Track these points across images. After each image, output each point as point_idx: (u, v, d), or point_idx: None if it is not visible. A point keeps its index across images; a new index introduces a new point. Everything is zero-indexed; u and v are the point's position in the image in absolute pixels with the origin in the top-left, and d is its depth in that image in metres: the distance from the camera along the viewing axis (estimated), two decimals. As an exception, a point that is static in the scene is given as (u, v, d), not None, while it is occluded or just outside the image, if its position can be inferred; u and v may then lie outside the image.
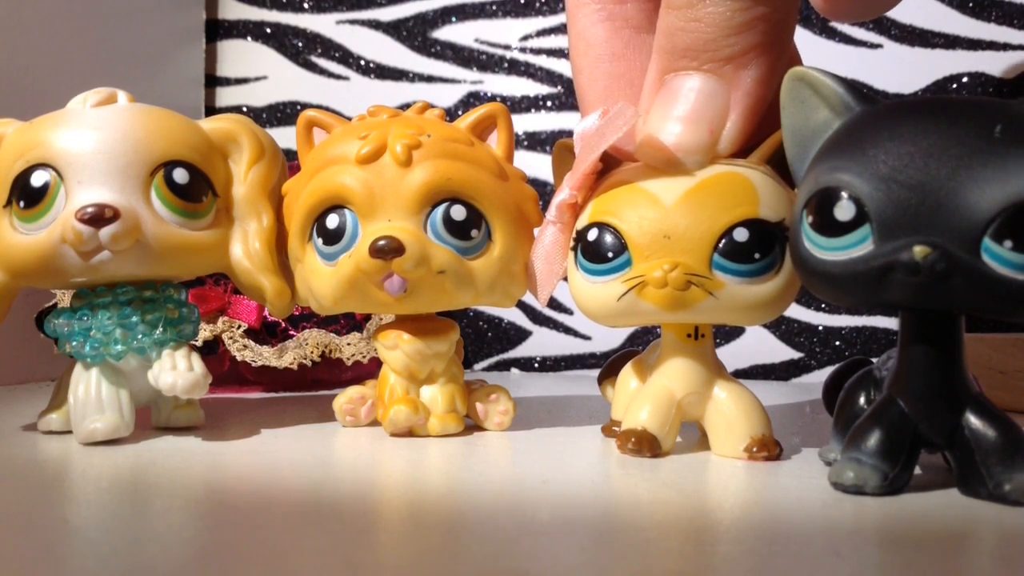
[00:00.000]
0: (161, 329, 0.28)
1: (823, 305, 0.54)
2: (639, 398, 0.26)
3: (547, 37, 0.59)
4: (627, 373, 0.30)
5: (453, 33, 0.60)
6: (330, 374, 0.44)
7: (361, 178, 0.27)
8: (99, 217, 0.26)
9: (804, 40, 0.54)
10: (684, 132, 0.24)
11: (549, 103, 0.58)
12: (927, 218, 0.19)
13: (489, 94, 0.59)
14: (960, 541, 0.18)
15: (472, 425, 0.31)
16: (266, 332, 0.42)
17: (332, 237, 0.28)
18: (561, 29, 0.58)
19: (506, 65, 0.59)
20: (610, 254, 0.25)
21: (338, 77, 0.62)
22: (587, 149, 0.25)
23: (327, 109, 0.31)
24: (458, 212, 0.28)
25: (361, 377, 0.42)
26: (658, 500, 0.21)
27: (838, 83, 0.22)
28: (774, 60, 0.24)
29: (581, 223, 0.26)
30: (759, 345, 0.54)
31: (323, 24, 0.62)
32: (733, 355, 0.54)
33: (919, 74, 0.53)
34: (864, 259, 0.20)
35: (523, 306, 0.58)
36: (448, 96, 0.60)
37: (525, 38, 0.59)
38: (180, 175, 0.28)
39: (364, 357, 0.43)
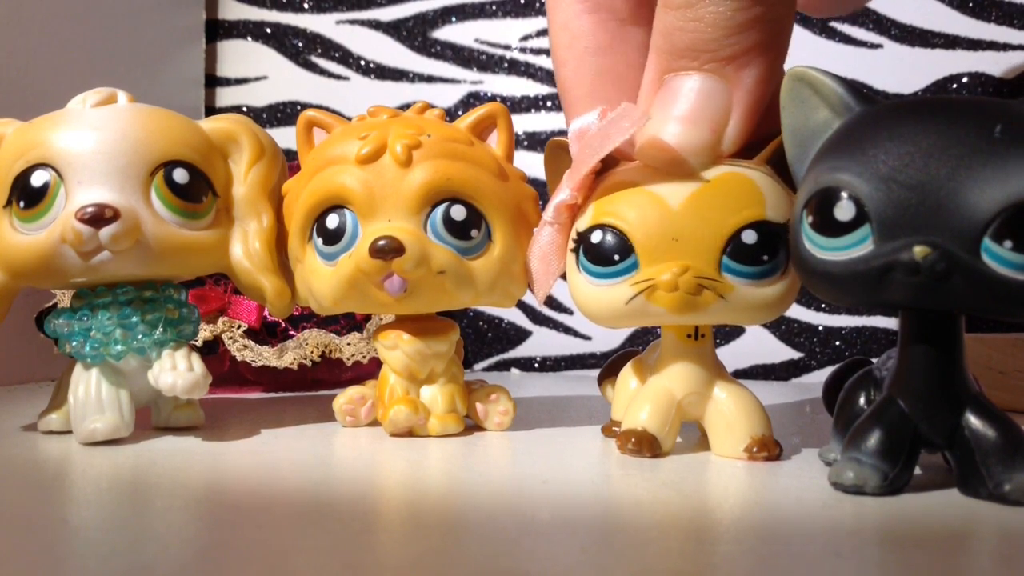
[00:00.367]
0: (161, 329, 0.28)
1: (823, 305, 0.54)
2: (639, 398, 0.26)
3: (547, 37, 0.59)
4: (627, 373, 0.30)
5: (453, 33, 0.60)
6: (330, 374, 0.44)
7: (361, 178, 0.27)
8: (99, 217, 0.26)
9: (804, 40, 0.54)
10: (686, 133, 0.24)
11: (549, 103, 0.58)
12: (927, 218, 0.19)
13: (489, 94, 0.59)
14: (960, 541, 0.18)
15: (472, 425, 0.31)
16: (266, 332, 0.42)
17: (332, 237, 0.28)
18: (561, 29, 0.58)
19: (506, 65, 0.59)
20: (616, 257, 0.24)
21: (338, 77, 0.62)
22: (589, 150, 0.25)
23: (327, 109, 0.31)
24: (458, 212, 0.28)
25: (361, 377, 0.42)
26: (658, 500, 0.21)
27: (838, 83, 0.22)
28: (774, 59, 0.24)
29: (582, 224, 0.26)
30: (759, 345, 0.54)
31: (323, 24, 0.62)
32: (733, 355, 0.54)
33: (919, 74, 0.53)
34: (864, 259, 0.20)
35: (523, 306, 0.58)
36: (448, 96, 0.60)
37: (525, 38, 0.59)
38: (180, 175, 0.28)
39: (364, 357, 0.43)
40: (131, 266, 0.27)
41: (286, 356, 0.41)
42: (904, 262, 0.19)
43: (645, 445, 0.25)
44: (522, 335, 0.58)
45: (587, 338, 0.57)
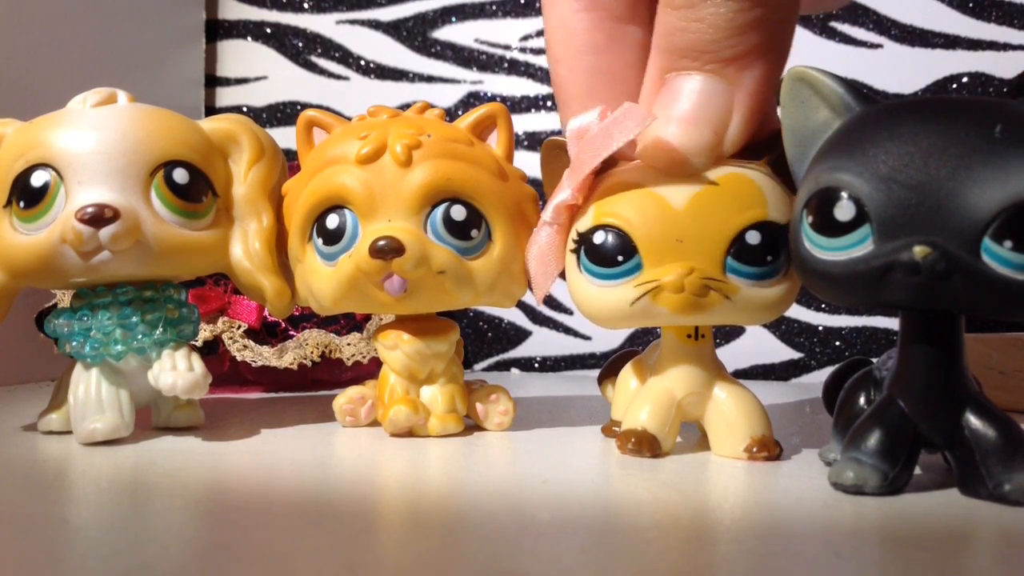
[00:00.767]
0: (161, 329, 0.28)
1: (823, 305, 0.54)
2: (639, 398, 0.26)
3: (547, 37, 0.59)
4: (627, 373, 0.30)
5: (453, 33, 0.60)
6: (330, 374, 0.44)
7: (361, 178, 0.27)
8: (99, 217, 0.26)
9: (804, 40, 0.54)
10: (687, 133, 0.24)
11: (549, 103, 0.58)
12: (927, 218, 0.19)
13: (489, 94, 0.59)
14: (960, 541, 0.18)
15: (472, 425, 0.31)
16: (266, 332, 0.42)
17: (332, 237, 0.28)
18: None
19: (506, 65, 0.59)
20: (619, 258, 0.24)
21: (338, 77, 0.62)
22: (591, 150, 0.25)
23: (327, 109, 0.31)
24: (458, 212, 0.28)
25: (361, 377, 0.42)
26: (658, 500, 0.21)
27: (838, 83, 0.22)
28: (775, 60, 0.24)
29: (583, 225, 0.25)
30: (759, 345, 0.54)
31: (323, 24, 0.62)
32: (733, 355, 0.54)
33: (919, 74, 0.53)
34: (864, 259, 0.20)
35: (523, 306, 0.58)
36: (448, 96, 0.60)
37: (525, 38, 0.59)
38: (180, 175, 0.28)
39: (364, 357, 0.43)
40: (131, 266, 0.27)
41: (286, 356, 0.41)
42: (904, 262, 0.19)
43: (645, 445, 0.25)
44: (522, 335, 0.58)
45: (587, 338, 0.57)
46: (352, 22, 0.62)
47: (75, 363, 0.29)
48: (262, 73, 0.63)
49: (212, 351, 0.41)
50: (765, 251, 0.24)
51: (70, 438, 0.28)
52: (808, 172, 0.22)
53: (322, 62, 0.62)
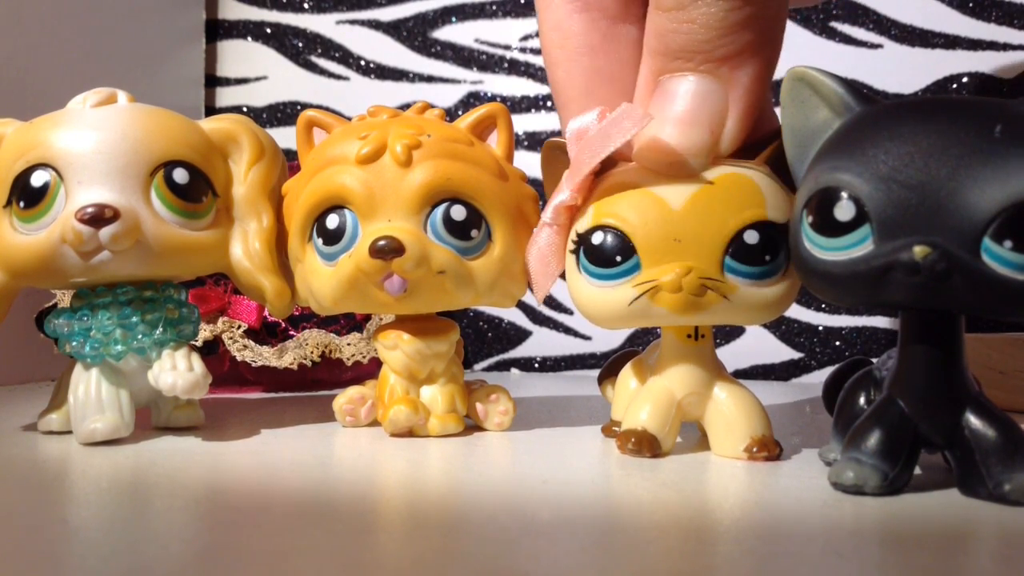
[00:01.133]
0: (161, 329, 0.28)
1: (823, 305, 0.54)
2: (639, 398, 0.26)
3: (547, 37, 0.59)
4: (627, 373, 0.30)
5: (453, 33, 0.60)
6: (330, 374, 0.44)
7: (361, 178, 0.27)
8: (99, 217, 0.26)
9: (804, 40, 0.54)
10: (684, 134, 0.24)
11: (549, 103, 0.58)
12: (927, 218, 0.19)
13: (489, 94, 0.59)
14: (960, 541, 0.18)
15: (472, 425, 0.31)
16: (266, 332, 0.42)
17: (332, 237, 0.28)
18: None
19: (506, 65, 0.59)
20: (617, 258, 0.24)
21: (338, 77, 0.62)
22: (590, 151, 0.25)
23: (327, 109, 0.31)
24: (458, 212, 0.28)
25: (361, 377, 0.42)
26: (658, 500, 0.21)
27: (838, 83, 0.22)
28: (768, 58, 0.24)
29: (583, 226, 0.25)
30: (759, 345, 0.54)
31: (323, 24, 0.62)
32: (733, 355, 0.54)
33: (919, 74, 0.53)
34: (864, 259, 0.20)
35: (523, 306, 0.58)
36: (448, 96, 0.60)
37: (525, 38, 0.59)
38: (180, 175, 0.28)
39: (364, 357, 0.43)
40: (131, 266, 0.27)
41: (286, 356, 0.41)
42: (904, 262, 0.19)
43: (645, 445, 0.25)
44: (522, 335, 0.58)
45: (587, 338, 0.57)
46: (352, 22, 0.62)
47: (75, 363, 0.29)
48: (262, 73, 0.63)
49: (212, 351, 0.41)
50: (763, 251, 0.24)
51: (70, 438, 0.28)
52: (808, 172, 0.22)
53: (322, 62, 0.62)
